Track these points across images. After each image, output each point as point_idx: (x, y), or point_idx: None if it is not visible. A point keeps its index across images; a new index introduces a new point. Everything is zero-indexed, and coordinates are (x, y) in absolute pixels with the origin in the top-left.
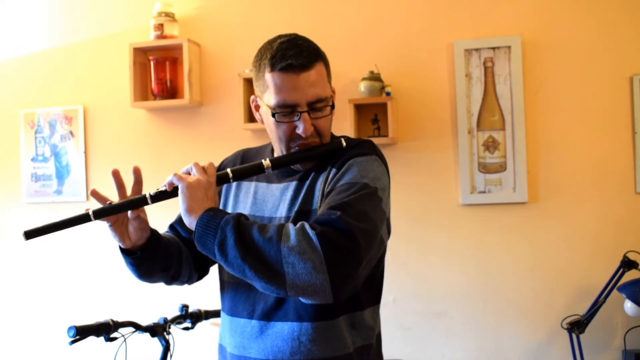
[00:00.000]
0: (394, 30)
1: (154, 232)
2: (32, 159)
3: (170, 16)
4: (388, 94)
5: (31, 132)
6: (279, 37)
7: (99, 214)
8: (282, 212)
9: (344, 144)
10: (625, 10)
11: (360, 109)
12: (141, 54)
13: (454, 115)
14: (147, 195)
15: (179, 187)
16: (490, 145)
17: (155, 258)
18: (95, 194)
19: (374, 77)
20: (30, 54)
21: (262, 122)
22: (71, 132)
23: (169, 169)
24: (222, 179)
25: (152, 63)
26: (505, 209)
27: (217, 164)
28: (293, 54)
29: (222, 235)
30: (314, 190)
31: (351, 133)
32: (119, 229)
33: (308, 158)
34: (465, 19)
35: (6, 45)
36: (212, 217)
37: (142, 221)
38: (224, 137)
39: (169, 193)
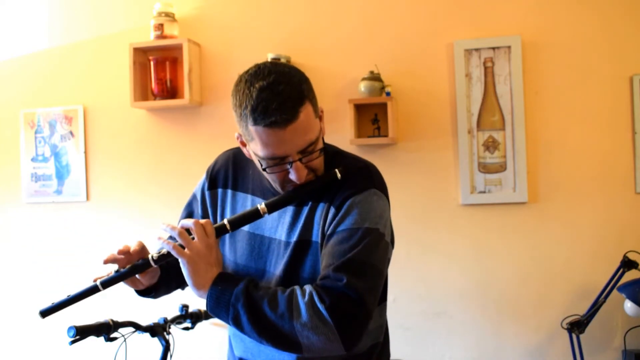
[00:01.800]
0: (394, 30)
1: (162, 268)
2: (32, 159)
3: (170, 16)
4: (388, 94)
5: (31, 132)
6: (256, 78)
7: (107, 284)
8: (281, 234)
9: (339, 175)
10: (625, 10)
11: (360, 109)
12: (141, 54)
13: (454, 115)
14: (150, 260)
15: (180, 261)
16: (490, 145)
17: (168, 289)
18: (107, 262)
19: (374, 77)
20: (30, 54)
21: (250, 157)
22: (71, 132)
23: (169, 169)
24: (220, 231)
25: (152, 63)
26: (505, 209)
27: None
28: (276, 108)
29: (235, 313)
30: (313, 222)
31: (351, 133)
32: (130, 280)
33: (303, 196)
34: (465, 19)
35: (6, 45)
36: (222, 293)
37: (152, 271)
38: (224, 137)
39: (172, 254)
